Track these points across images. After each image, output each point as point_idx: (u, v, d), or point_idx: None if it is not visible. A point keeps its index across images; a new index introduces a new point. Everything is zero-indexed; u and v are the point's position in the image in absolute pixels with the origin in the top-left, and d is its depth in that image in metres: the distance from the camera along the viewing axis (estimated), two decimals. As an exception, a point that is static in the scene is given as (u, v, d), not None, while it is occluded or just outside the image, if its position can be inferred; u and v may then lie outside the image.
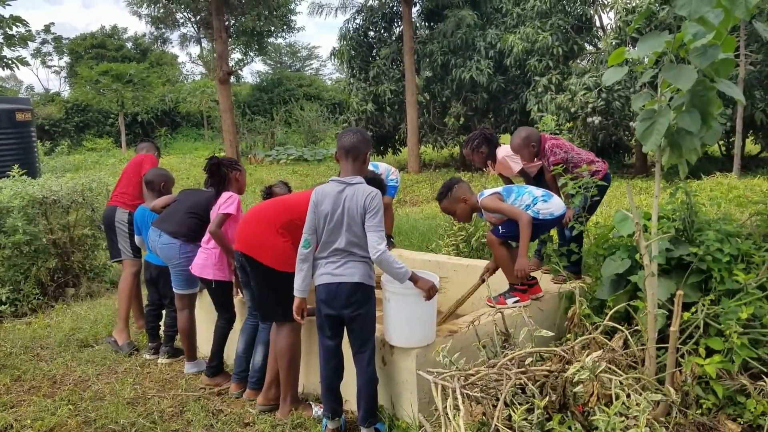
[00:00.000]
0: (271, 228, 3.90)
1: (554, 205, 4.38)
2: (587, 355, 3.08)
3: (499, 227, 4.39)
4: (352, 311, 3.53)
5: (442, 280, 4.94)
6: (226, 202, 4.46)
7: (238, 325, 4.59)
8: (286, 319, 3.93)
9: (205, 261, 4.48)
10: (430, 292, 3.63)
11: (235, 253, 4.08)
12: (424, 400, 3.60)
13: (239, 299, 4.69)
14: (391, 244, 6.14)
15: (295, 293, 3.76)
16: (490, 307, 4.28)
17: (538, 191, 4.46)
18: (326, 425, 3.69)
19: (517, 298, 4.28)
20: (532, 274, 4.55)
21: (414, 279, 3.57)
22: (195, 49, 66.07)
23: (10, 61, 12.82)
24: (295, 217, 3.90)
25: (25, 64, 13.19)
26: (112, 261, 5.97)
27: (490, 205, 4.46)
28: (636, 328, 3.65)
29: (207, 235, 4.53)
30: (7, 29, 12.67)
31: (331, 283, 3.55)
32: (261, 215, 4.03)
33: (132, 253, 5.59)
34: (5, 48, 12.93)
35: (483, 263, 5.43)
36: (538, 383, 3.15)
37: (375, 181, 4.59)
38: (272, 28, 28.52)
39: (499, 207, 4.41)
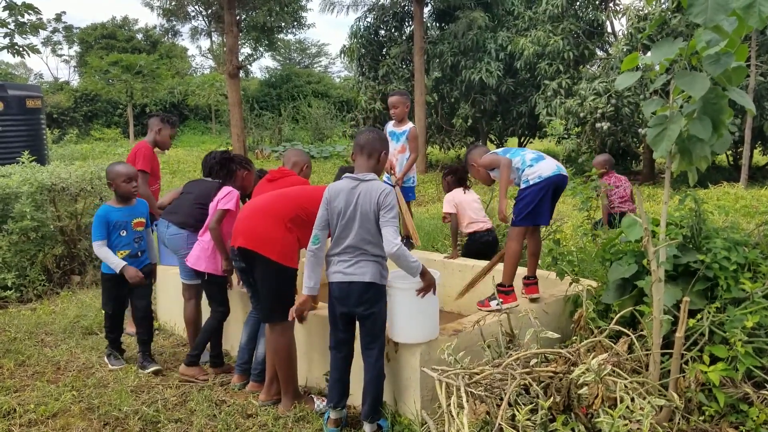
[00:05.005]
0: (280, 222, 3.89)
1: (542, 167, 4.33)
2: (593, 358, 3.09)
3: (514, 217, 4.40)
4: (364, 309, 3.56)
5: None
6: (225, 198, 4.45)
7: (242, 316, 4.60)
8: (283, 320, 3.94)
9: (200, 253, 4.50)
10: (427, 288, 3.64)
11: (236, 250, 4.00)
12: (427, 397, 3.61)
13: (244, 292, 4.70)
14: (409, 245, 6.08)
15: (305, 291, 3.79)
16: (479, 309, 4.35)
17: (530, 154, 4.46)
18: (329, 416, 3.70)
19: (501, 300, 4.28)
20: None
21: (423, 272, 3.59)
22: (205, 43, 66.13)
23: (21, 49, 12.86)
24: (302, 211, 3.91)
25: (36, 52, 13.20)
26: None
27: (485, 161, 4.60)
28: (641, 332, 3.66)
29: (204, 228, 4.55)
30: (19, 17, 12.71)
31: (344, 282, 3.58)
32: (267, 209, 3.99)
33: None
34: (17, 35, 12.97)
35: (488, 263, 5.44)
36: (542, 384, 3.16)
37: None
38: (283, 24, 28.56)
39: (490, 160, 4.55)
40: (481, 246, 6.04)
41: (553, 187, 4.34)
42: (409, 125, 5.90)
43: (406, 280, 3.63)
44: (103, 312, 4.94)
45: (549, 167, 4.33)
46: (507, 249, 4.47)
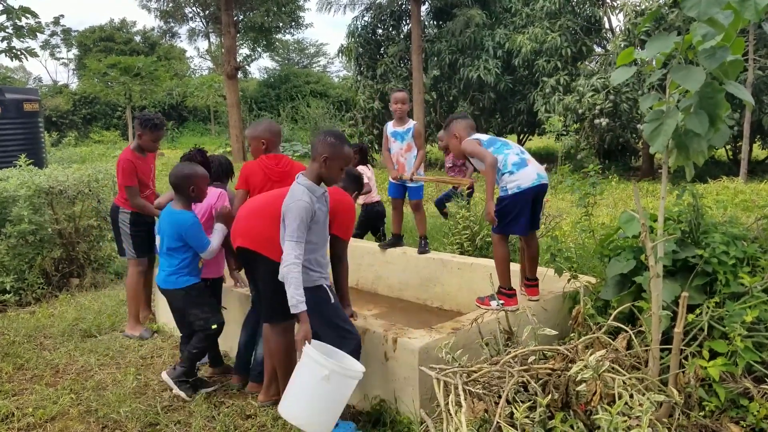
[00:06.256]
0: (278, 222, 3.87)
1: (522, 177, 4.22)
2: (591, 355, 3.07)
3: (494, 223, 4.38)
4: None
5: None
6: (219, 202, 4.56)
7: (241, 317, 4.58)
8: (285, 320, 3.93)
9: None
10: (301, 341, 3.42)
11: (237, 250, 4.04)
12: (426, 396, 3.60)
13: (244, 292, 4.70)
14: (423, 249, 6.01)
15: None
16: (477, 306, 4.33)
17: (513, 157, 4.30)
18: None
19: (502, 302, 4.26)
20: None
21: (300, 318, 3.44)
22: (203, 44, 66.18)
23: (19, 52, 12.83)
24: None
25: (34, 55, 13.17)
26: (121, 257, 5.93)
27: (467, 147, 4.42)
28: (640, 328, 3.64)
29: None
30: (17, 20, 12.67)
31: None
32: (265, 209, 3.96)
33: (135, 253, 5.56)
34: (14, 39, 12.93)
35: (487, 261, 5.44)
36: (540, 381, 3.14)
37: (351, 176, 4.56)
38: (280, 24, 28.60)
39: (472, 149, 4.37)
40: (373, 215, 7.31)
41: (533, 196, 4.28)
42: (412, 122, 5.87)
43: (320, 358, 3.32)
44: (208, 330, 4.29)
45: (529, 177, 4.24)
46: (494, 255, 4.47)
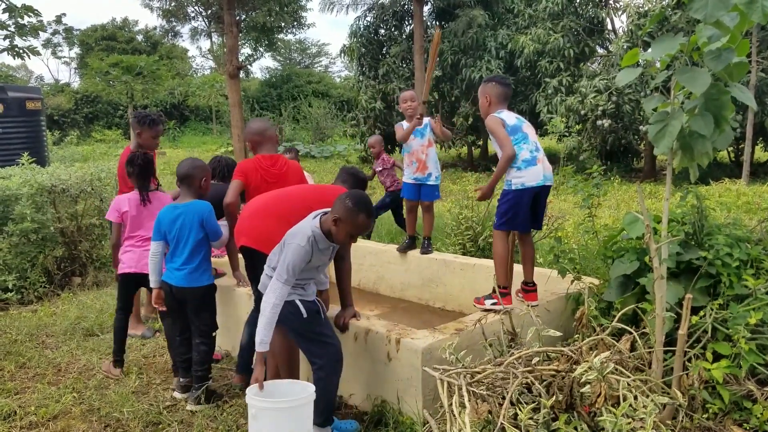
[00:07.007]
0: (283, 223, 3.83)
1: (528, 175, 4.20)
2: (595, 356, 3.07)
3: (496, 218, 4.37)
4: None
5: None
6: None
7: (243, 317, 4.58)
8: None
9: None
10: (252, 381, 3.43)
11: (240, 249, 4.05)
12: (429, 396, 3.59)
13: (246, 291, 4.70)
14: (426, 250, 6.01)
15: None
16: (474, 306, 4.34)
17: (525, 153, 4.24)
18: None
19: (495, 301, 4.25)
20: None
21: (257, 359, 3.46)
22: (205, 43, 66.11)
23: (21, 51, 12.82)
24: (305, 213, 3.88)
25: (36, 54, 13.16)
26: None
27: (489, 124, 4.35)
28: (644, 330, 3.64)
29: None
30: (19, 19, 12.67)
31: None
32: (269, 209, 3.98)
33: None
34: (16, 37, 12.93)
35: (489, 262, 5.43)
36: (544, 383, 3.14)
37: (356, 178, 4.52)
38: (282, 24, 28.54)
39: (494, 129, 4.29)
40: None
41: (534, 195, 4.27)
42: (426, 118, 5.89)
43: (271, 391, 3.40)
44: (210, 338, 4.25)
45: (535, 176, 4.22)
46: (493, 251, 4.46)
